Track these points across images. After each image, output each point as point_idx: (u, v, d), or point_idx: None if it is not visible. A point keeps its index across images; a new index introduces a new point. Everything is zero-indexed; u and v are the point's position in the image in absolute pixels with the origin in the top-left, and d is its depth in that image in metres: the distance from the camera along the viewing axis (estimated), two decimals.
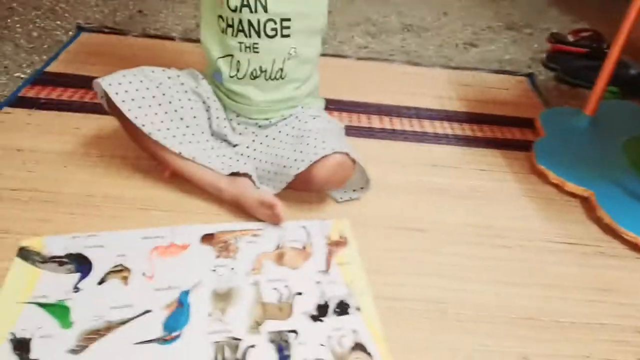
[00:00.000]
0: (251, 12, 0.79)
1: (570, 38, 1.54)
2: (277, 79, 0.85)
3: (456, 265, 0.79)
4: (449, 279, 0.76)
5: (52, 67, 1.15)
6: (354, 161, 0.80)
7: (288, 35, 0.82)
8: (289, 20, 0.81)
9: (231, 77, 0.85)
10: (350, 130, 1.03)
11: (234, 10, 0.79)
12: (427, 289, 0.74)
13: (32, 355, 0.60)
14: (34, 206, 0.79)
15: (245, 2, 0.78)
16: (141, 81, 0.80)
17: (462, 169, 1.00)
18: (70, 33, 1.31)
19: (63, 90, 1.07)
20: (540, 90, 1.32)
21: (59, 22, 1.36)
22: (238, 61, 0.83)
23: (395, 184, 0.94)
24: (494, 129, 1.14)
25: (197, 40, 1.32)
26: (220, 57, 0.85)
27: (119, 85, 0.78)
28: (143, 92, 0.79)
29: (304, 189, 0.84)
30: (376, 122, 1.12)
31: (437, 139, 1.09)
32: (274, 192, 0.82)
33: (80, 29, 1.32)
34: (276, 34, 0.81)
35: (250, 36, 0.81)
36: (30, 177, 0.84)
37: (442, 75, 1.34)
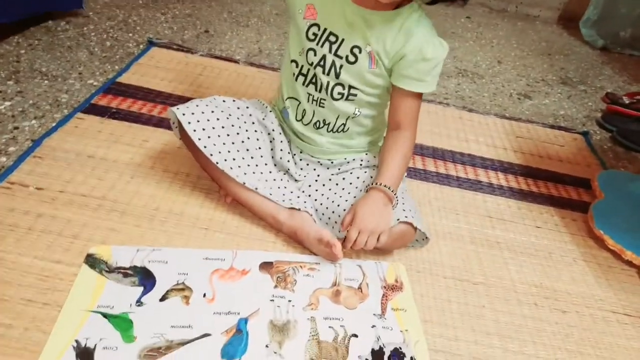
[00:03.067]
0: (324, 73, 0.81)
1: (626, 100, 1.53)
2: (340, 132, 0.87)
3: (513, 325, 0.77)
4: (506, 339, 0.75)
5: (123, 78, 1.19)
6: (415, 228, 0.81)
7: (353, 101, 0.83)
8: (356, 89, 0.82)
9: (297, 120, 0.87)
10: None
11: (310, 64, 0.82)
12: (483, 346, 0.73)
13: None
14: (102, 214, 0.81)
15: (321, 63, 0.80)
16: (212, 111, 0.82)
17: (517, 224, 0.99)
18: (141, 46, 1.36)
19: (133, 102, 1.11)
20: (596, 150, 1.31)
21: (130, 35, 1.42)
22: (304, 109, 0.86)
23: (450, 232, 0.93)
24: (549, 186, 1.13)
25: (260, 65, 1.40)
26: (289, 98, 0.87)
27: (191, 115, 0.81)
28: (213, 123, 0.82)
29: None
30: (431, 165, 1.12)
31: (492, 189, 1.08)
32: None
33: (150, 43, 1.37)
34: (342, 98, 0.83)
35: (319, 91, 0.83)
36: (100, 185, 0.87)
37: (497, 124, 1.34)
